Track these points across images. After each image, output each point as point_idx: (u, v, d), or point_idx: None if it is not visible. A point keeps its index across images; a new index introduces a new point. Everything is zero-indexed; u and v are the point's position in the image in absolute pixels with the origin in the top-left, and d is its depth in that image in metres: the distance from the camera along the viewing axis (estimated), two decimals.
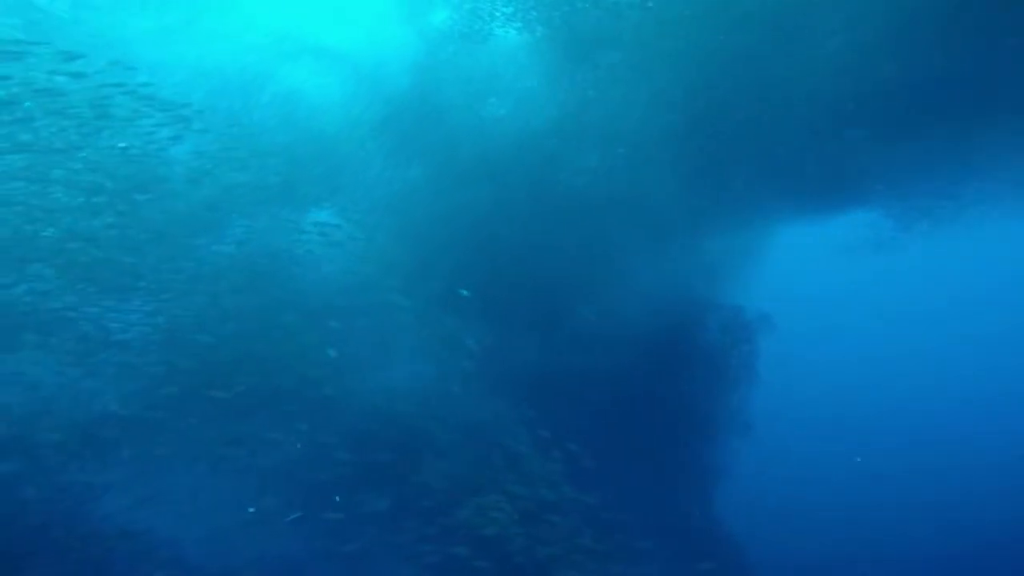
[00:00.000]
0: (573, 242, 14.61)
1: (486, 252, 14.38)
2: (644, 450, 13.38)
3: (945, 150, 15.09)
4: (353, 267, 14.02)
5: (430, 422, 11.80)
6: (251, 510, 10.20)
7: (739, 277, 17.12)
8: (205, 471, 11.39)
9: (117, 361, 11.01)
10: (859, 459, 24.54)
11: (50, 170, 9.87)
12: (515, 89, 14.90)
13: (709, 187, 15.04)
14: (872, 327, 27.06)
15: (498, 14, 14.50)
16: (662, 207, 14.87)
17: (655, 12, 13.17)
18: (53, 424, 10.36)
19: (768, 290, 17.46)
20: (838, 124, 14.04)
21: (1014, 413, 27.03)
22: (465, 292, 12.67)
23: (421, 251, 14.26)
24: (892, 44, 12.50)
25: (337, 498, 11.00)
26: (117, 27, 11.52)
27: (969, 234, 18.81)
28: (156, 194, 11.94)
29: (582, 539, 10.42)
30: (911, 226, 18.46)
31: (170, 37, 12.55)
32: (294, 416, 11.67)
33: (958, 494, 25.30)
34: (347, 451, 11.05)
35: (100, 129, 10.06)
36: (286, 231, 13.91)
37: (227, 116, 14.08)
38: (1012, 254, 22.43)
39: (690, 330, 15.11)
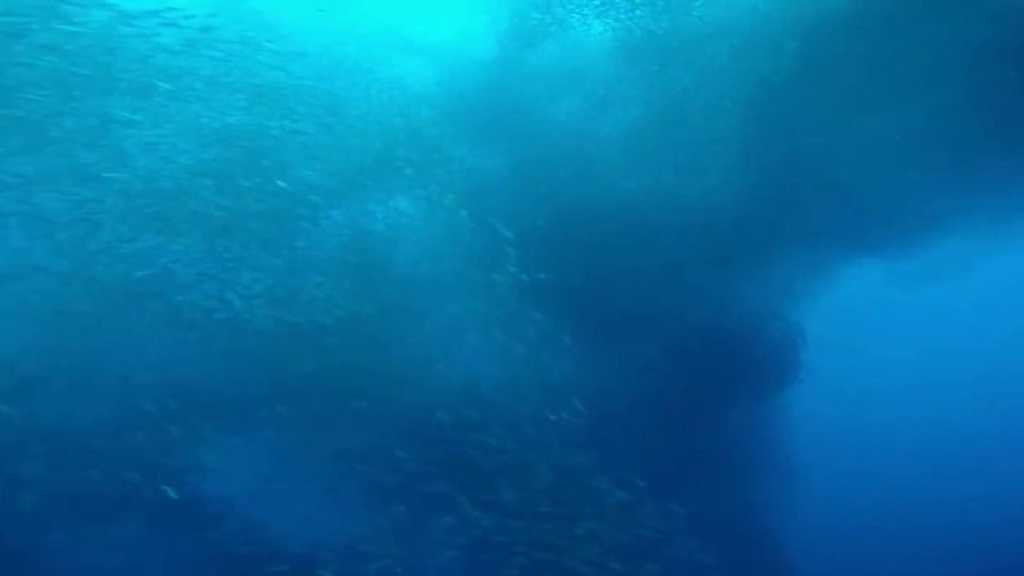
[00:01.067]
0: (654, 261, 14.38)
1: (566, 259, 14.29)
2: (742, 497, 13.48)
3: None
4: (440, 273, 14.08)
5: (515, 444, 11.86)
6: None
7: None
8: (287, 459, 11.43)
9: (222, 343, 11.00)
10: None
11: (193, 150, 9.90)
12: (601, 89, 14.98)
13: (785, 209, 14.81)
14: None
15: (588, 12, 14.86)
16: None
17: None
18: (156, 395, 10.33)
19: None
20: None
21: None
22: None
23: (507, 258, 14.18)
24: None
25: None
26: (282, 18, 11.59)
27: None
28: (270, 177, 11.98)
29: None
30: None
31: (314, 27, 12.66)
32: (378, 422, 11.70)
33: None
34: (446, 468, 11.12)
35: (253, 112, 10.12)
36: (376, 222, 13.97)
37: (337, 100, 14.15)
38: None
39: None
